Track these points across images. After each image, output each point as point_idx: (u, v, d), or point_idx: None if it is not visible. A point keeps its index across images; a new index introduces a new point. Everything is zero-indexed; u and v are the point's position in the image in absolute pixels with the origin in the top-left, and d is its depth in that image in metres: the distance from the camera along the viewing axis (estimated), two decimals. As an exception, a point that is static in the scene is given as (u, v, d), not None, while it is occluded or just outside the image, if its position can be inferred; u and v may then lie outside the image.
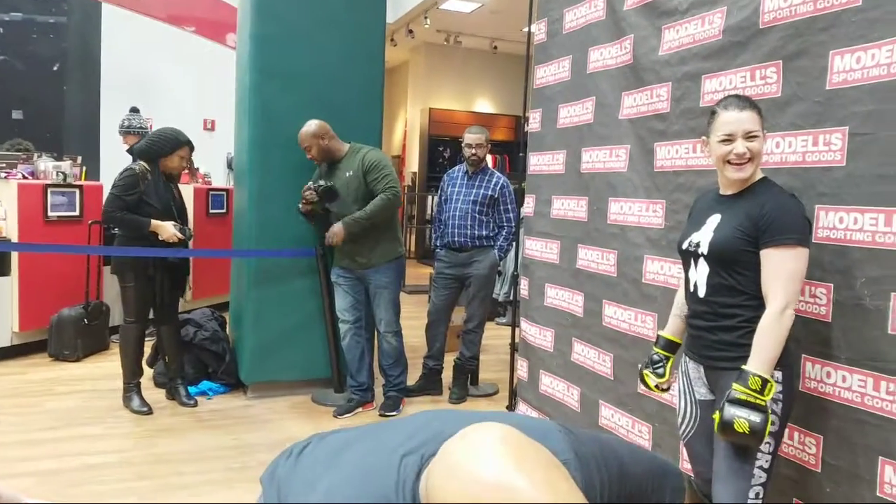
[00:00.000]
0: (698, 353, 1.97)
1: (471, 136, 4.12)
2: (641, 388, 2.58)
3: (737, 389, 1.71)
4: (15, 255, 4.45)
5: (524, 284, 3.64)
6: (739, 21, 2.27)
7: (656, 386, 2.17)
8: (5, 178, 4.51)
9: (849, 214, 1.89)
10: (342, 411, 3.76)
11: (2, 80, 6.51)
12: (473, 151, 4.09)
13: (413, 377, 4.17)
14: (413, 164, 11.48)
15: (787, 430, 1.91)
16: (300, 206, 3.67)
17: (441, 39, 10.15)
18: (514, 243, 4.20)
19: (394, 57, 10.85)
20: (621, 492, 1.01)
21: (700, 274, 1.92)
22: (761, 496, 1.79)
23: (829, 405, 1.93)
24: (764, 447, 1.77)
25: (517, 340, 3.83)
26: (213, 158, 6.91)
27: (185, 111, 6.66)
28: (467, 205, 4.07)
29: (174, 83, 7.06)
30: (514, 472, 0.75)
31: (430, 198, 10.15)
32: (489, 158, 6.43)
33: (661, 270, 2.64)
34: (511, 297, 4.57)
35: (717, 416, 1.74)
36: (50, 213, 4.59)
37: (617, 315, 2.88)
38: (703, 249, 1.90)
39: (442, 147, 11.19)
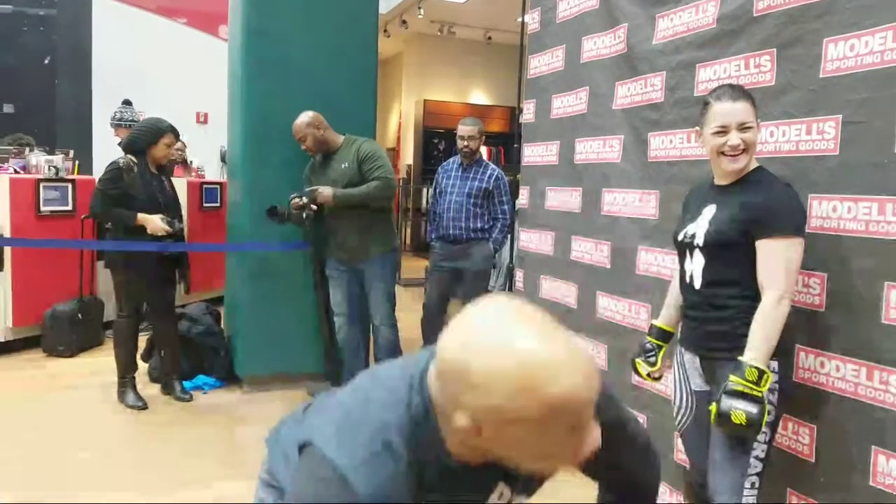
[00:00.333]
0: (694, 344, 1.96)
1: (463, 129, 4.10)
2: (636, 379, 2.58)
3: (734, 381, 1.71)
4: (8, 251, 4.42)
5: (519, 276, 3.63)
6: (733, 9, 2.26)
7: (648, 374, 2.17)
8: (-3, 172, 4.49)
9: (842, 203, 1.89)
10: (338, 404, 3.74)
11: (-7, 74, 6.48)
12: (466, 144, 4.07)
13: (409, 370, 4.16)
14: (408, 157, 11.44)
15: (781, 421, 1.91)
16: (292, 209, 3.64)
17: (435, 30, 10.09)
18: (509, 236, 4.19)
19: (387, 48, 10.80)
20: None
21: (696, 265, 1.91)
22: (757, 485, 1.79)
23: (822, 395, 1.93)
24: (760, 437, 1.77)
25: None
26: (207, 151, 6.87)
27: (178, 104, 6.61)
28: (462, 197, 4.06)
29: (166, 75, 7.01)
30: (518, 326, 0.79)
31: (424, 190, 10.12)
32: (484, 150, 6.41)
33: (654, 261, 2.63)
34: (506, 289, 4.57)
35: (713, 407, 1.74)
36: (42, 208, 4.56)
37: (611, 306, 2.87)
38: (699, 240, 1.89)
39: (437, 139, 11.15)
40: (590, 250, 3.02)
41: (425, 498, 0.88)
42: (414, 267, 8.42)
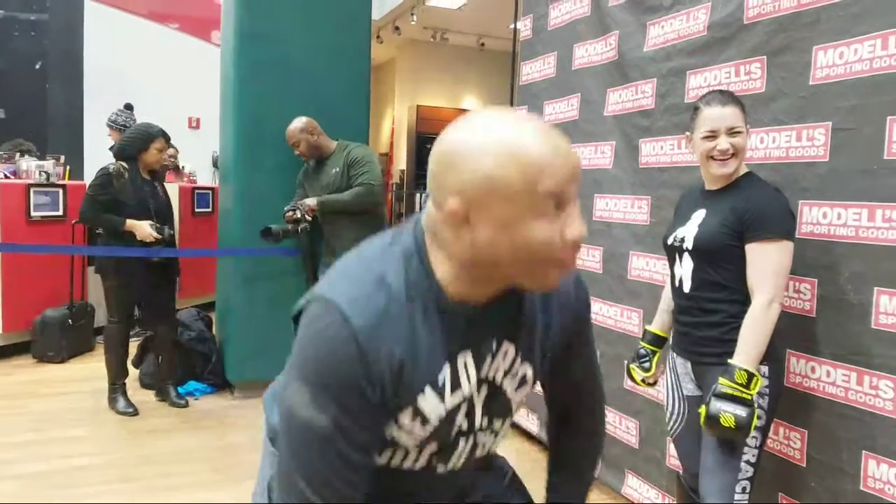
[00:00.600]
0: (685, 349, 1.97)
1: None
2: (628, 384, 2.58)
3: (723, 384, 1.71)
4: (-3, 256, 4.40)
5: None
6: (724, 16, 2.27)
7: (643, 380, 2.17)
8: (-13, 177, 4.46)
9: (832, 209, 1.90)
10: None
11: (-17, 79, 6.44)
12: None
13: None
14: (401, 162, 11.45)
15: (772, 425, 1.91)
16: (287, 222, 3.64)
17: (428, 36, 10.11)
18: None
19: (380, 54, 10.80)
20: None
21: (685, 269, 1.92)
22: (748, 490, 1.80)
23: (813, 400, 1.94)
24: (751, 441, 1.78)
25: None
26: (199, 157, 6.85)
27: (170, 109, 6.59)
28: (454, 202, 4.05)
29: (158, 81, 6.98)
30: (508, 116, 0.84)
31: (417, 195, 10.12)
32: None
33: (646, 267, 2.64)
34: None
35: (703, 410, 1.75)
36: (33, 213, 4.53)
37: (602, 311, 2.88)
38: (688, 244, 1.90)
39: (430, 144, 10.97)
40: (582, 255, 3.02)
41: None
42: (406, 272, 8.41)
